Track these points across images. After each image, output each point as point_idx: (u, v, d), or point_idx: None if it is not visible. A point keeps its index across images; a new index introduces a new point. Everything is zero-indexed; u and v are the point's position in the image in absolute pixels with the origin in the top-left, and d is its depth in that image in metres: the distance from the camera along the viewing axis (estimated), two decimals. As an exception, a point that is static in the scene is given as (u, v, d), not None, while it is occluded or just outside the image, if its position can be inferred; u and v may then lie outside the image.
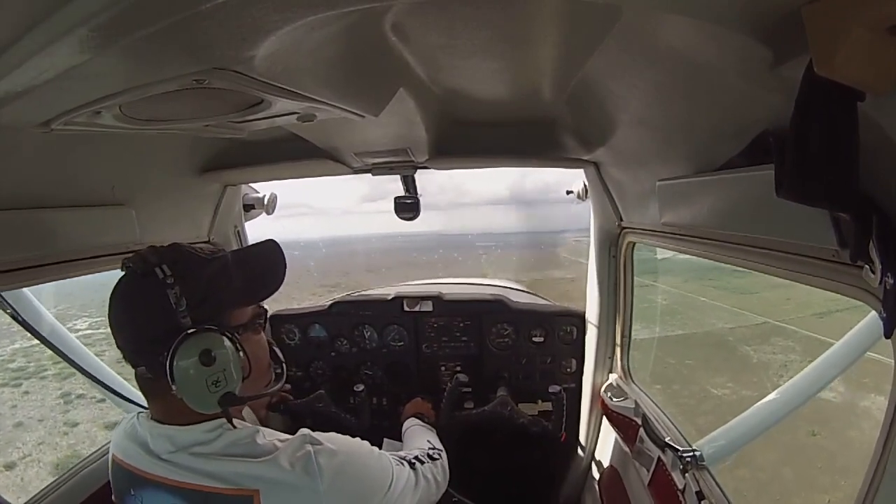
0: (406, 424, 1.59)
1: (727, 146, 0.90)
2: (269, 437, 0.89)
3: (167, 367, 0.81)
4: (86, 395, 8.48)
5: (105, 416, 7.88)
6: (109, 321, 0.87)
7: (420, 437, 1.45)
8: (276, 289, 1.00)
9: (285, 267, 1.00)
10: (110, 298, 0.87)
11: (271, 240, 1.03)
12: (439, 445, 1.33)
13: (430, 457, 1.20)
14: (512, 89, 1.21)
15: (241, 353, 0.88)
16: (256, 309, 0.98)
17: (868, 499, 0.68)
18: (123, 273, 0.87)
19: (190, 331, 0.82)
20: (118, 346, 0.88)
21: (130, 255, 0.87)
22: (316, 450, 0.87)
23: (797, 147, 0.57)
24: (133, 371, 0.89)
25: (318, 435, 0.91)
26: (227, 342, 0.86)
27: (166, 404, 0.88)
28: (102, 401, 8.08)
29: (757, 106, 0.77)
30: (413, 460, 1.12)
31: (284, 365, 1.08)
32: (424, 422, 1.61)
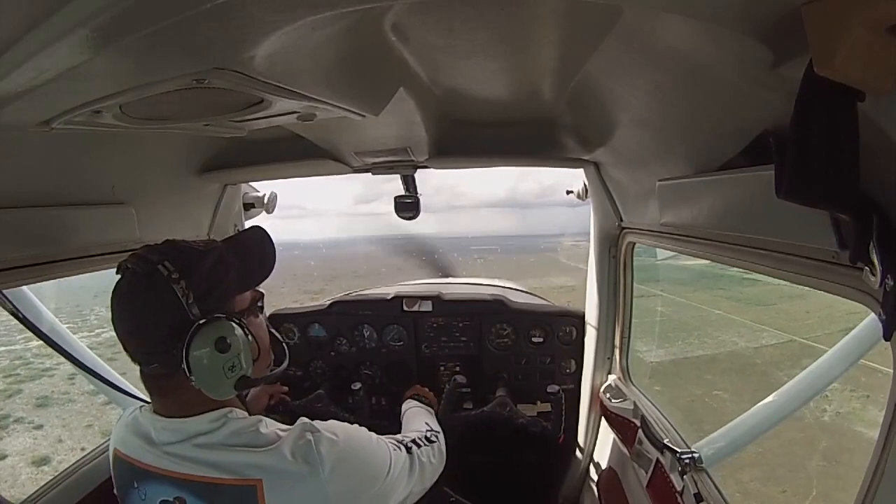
0: (404, 407, 1.59)
1: (727, 146, 0.90)
2: (271, 426, 0.90)
3: (183, 359, 0.82)
4: (25, 418, 7.74)
5: (37, 449, 7.13)
6: (116, 326, 0.86)
7: (418, 418, 1.44)
8: (270, 272, 1.05)
9: (275, 251, 1.06)
10: (114, 303, 0.87)
11: (258, 226, 1.08)
12: (437, 427, 1.33)
13: (427, 439, 1.20)
14: (512, 89, 1.21)
15: (250, 337, 0.91)
16: (254, 293, 1.02)
17: (868, 499, 0.68)
18: (121, 276, 0.87)
19: (202, 321, 0.84)
20: (128, 350, 0.87)
21: (128, 254, 0.88)
22: (316, 438, 0.88)
23: (797, 147, 0.57)
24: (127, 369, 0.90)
25: (317, 423, 0.92)
26: (238, 328, 0.89)
27: (175, 399, 0.89)
28: (39, 427, 7.44)
29: (757, 106, 0.77)
30: (410, 444, 1.13)
31: (284, 345, 1.13)
32: (423, 402, 1.61)
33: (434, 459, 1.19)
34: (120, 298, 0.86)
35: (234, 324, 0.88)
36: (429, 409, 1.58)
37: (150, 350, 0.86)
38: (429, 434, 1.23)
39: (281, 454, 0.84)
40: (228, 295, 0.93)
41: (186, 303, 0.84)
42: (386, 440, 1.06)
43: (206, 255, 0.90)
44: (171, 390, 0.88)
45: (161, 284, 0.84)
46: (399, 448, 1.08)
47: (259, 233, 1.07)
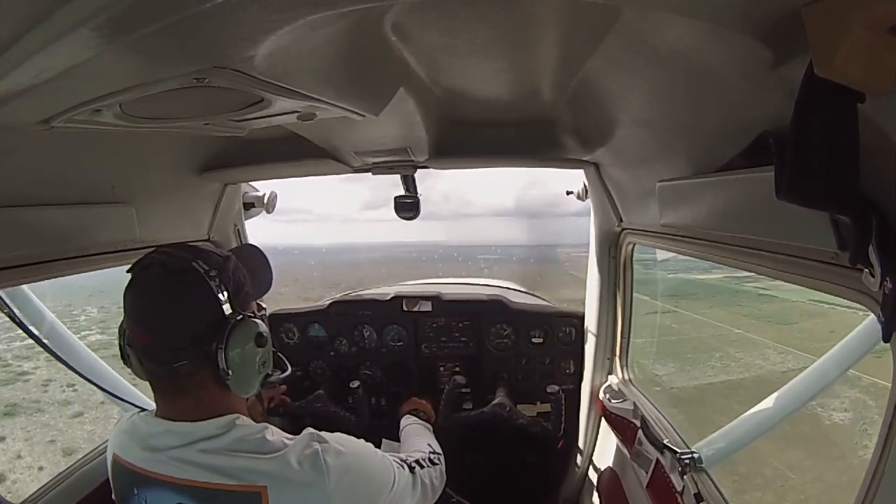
0: (403, 422, 1.59)
1: (727, 147, 0.90)
2: (277, 434, 0.90)
3: (220, 354, 0.84)
4: (-10, 431, 7.17)
5: (-1, 465, 6.54)
6: (140, 322, 0.86)
7: (418, 437, 1.45)
8: (271, 285, 1.11)
9: (271, 267, 1.14)
10: (137, 299, 0.86)
11: (252, 244, 1.15)
12: (438, 449, 1.34)
13: (430, 461, 1.21)
14: (512, 89, 1.21)
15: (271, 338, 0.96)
16: (258, 303, 1.06)
17: (868, 499, 0.68)
18: (144, 272, 0.86)
19: (239, 317, 0.87)
20: (151, 347, 0.86)
21: (128, 253, 0.88)
22: (323, 448, 0.88)
23: (797, 148, 0.57)
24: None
25: (324, 434, 0.92)
26: (266, 326, 0.92)
27: (192, 400, 0.88)
28: (2, 439, 6.85)
29: (757, 106, 0.77)
30: (413, 464, 1.14)
31: (283, 356, 1.17)
32: (421, 418, 1.62)
33: (436, 482, 1.20)
34: (148, 294, 0.86)
35: (263, 322, 0.92)
36: (428, 426, 1.59)
37: (181, 346, 0.85)
38: (431, 456, 1.24)
39: (287, 462, 0.84)
40: (249, 297, 0.97)
41: (221, 300, 0.86)
42: (391, 458, 1.07)
43: (228, 260, 0.92)
44: (192, 391, 0.88)
45: (199, 281, 0.85)
46: (403, 467, 1.09)
47: (256, 249, 1.16)
